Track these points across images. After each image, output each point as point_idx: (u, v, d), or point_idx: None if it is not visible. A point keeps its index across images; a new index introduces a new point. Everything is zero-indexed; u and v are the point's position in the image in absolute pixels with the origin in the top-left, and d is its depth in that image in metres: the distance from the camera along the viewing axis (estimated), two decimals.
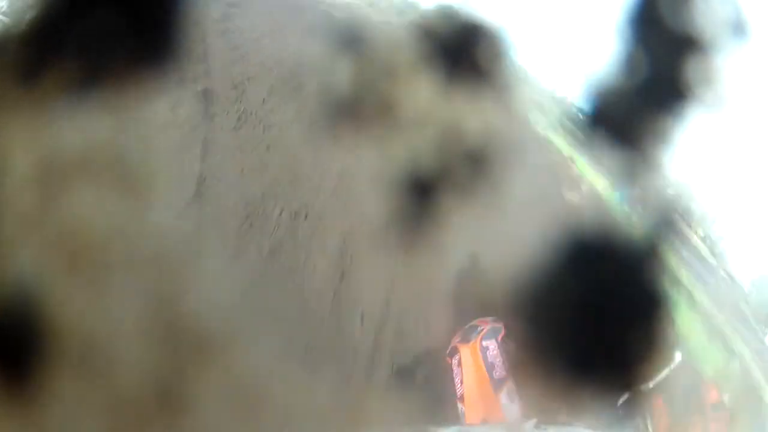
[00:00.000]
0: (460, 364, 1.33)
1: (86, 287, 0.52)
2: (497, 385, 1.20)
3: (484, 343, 1.29)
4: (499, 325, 1.33)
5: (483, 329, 1.33)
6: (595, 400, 0.77)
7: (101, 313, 0.53)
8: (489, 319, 1.39)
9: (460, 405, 1.25)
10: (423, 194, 0.97)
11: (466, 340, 1.36)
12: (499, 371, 1.21)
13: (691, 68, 0.77)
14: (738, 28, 0.80)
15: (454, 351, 1.36)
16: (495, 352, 1.27)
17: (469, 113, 0.88)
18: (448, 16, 0.88)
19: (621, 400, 0.78)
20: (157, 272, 0.57)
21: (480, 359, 1.29)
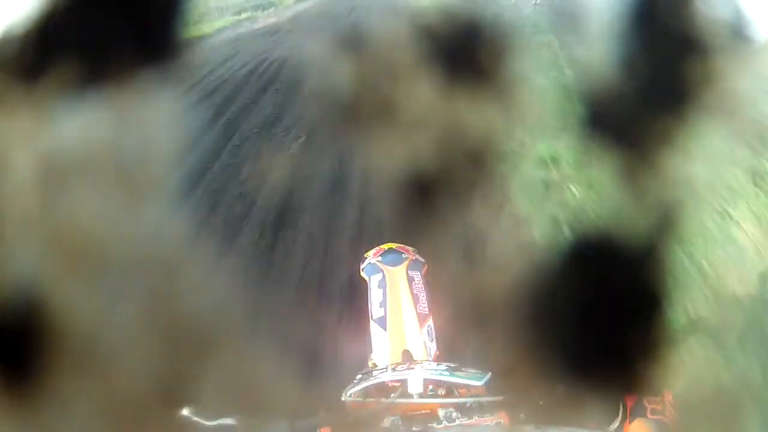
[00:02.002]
0: (383, 284, 1.21)
1: (86, 287, 0.52)
2: (421, 319, 1.14)
3: (410, 273, 1.23)
4: (423, 260, 1.30)
5: (408, 258, 1.28)
6: (595, 400, 0.77)
7: (101, 312, 0.53)
8: (409, 248, 1.33)
9: (377, 328, 1.14)
10: (423, 194, 0.97)
11: (389, 262, 1.26)
12: (422, 306, 1.16)
13: (691, 68, 0.77)
14: (738, 28, 0.80)
15: (375, 269, 1.25)
16: (420, 285, 1.21)
17: (470, 113, 0.88)
18: (448, 16, 0.88)
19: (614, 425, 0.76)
20: (157, 272, 0.58)
21: (408, 287, 1.20)
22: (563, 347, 0.77)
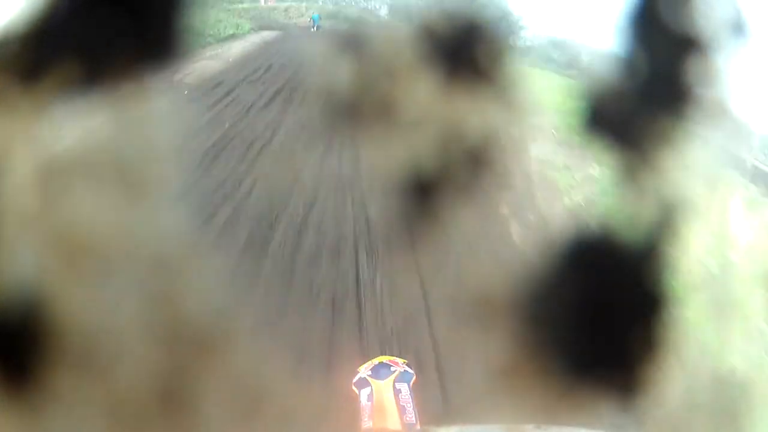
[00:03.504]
0: (370, 398, 1.30)
1: (86, 287, 0.52)
2: (407, 429, 1.20)
3: (398, 386, 1.30)
4: (411, 372, 1.37)
5: (396, 370, 1.35)
6: (595, 400, 0.77)
7: (101, 312, 0.53)
8: (399, 361, 1.42)
9: None
10: (423, 194, 0.97)
11: (378, 376, 1.35)
12: (410, 416, 1.22)
13: (691, 68, 0.77)
14: (738, 28, 0.80)
15: (364, 383, 1.35)
16: (407, 396, 1.29)
17: (469, 113, 0.88)
18: (448, 16, 0.88)
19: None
20: (157, 272, 0.58)
21: (392, 399, 1.29)
22: (563, 347, 0.77)
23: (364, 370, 1.45)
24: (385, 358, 1.50)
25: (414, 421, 1.28)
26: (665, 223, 0.79)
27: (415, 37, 0.83)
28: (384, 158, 0.86)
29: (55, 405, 0.52)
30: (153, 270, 0.56)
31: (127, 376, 0.53)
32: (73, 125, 0.54)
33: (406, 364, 1.39)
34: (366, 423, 1.30)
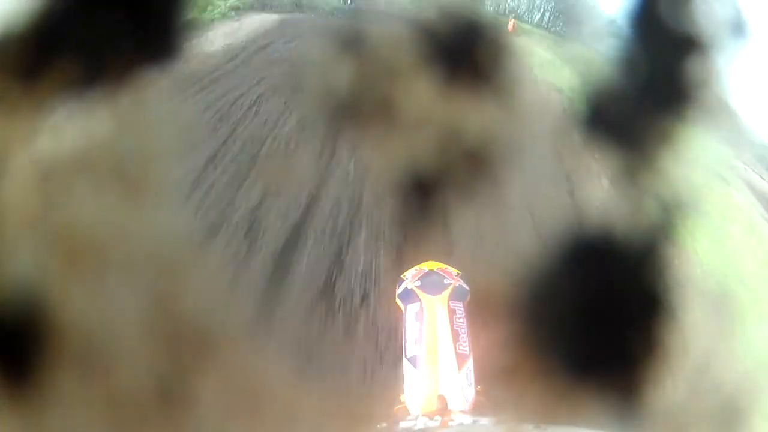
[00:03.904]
0: (420, 317, 1.05)
1: (86, 287, 0.52)
2: (461, 361, 0.99)
3: (452, 304, 1.06)
4: (467, 287, 1.09)
5: (451, 284, 1.09)
6: (595, 400, 0.77)
7: (101, 312, 0.53)
8: (452, 270, 1.14)
9: (409, 367, 0.99)
10: (423, 194, 0.97)
11: (429, 288, 1.09)
12: (462, 345, 1.01)
13: (691, 68, 0.77)
14: (738, 28, 0.80)
15: (412, 296, 1.08)
16: (462, 319, 1.04)
17: (469, 113, 0.88)
18: (448, 16, 0.88)
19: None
20: (157, 272, 0.58)
21: (448, 323, 1.03)
22: (563, 347, 0.77)
23: (410, 279, 1.13)
24: (435, 266, 1.16)
25: (468, 352, 1.00)
26: (665, 223, 0.79)
27: (416, 36, 0.83)
28: (384, 158, 0.86)
29: (55, 404, 0.52)
30: (153, 270, 0.56)
31: (127, 376, 0.53)
32: (73, 125, 0.54)
33: (461, 276, 1.14)
34: (411, 348, 1.01)
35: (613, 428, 0.81)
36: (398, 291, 1.11)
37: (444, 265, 1.15)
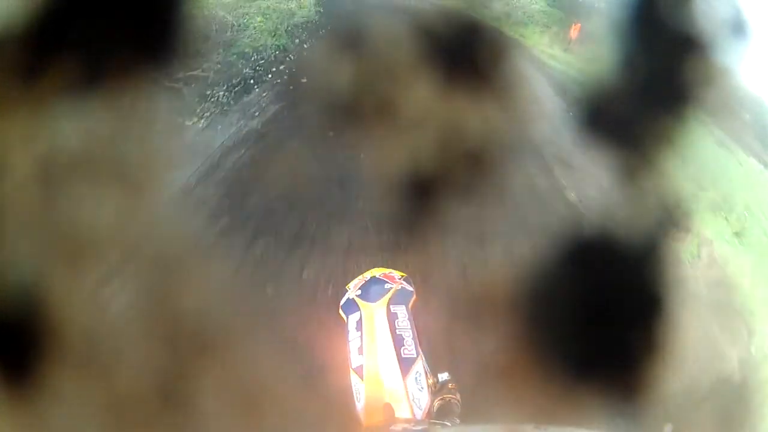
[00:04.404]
0: (359, 326, 1.03)
1: (86, 286, 0.52)
2: (405, 365, 0.96)
3: (393, 308, 1.02)
4: (411, 289, 1.07)
5: (392, 288, 1.06)
6: (595, 400, 0.77)
7: (101, 312, 0.53)
8: (396, 274, 1.11)
9: (355, 378, 0.97)
10: (423, 194, 0.97)
11: (368, 296, 1.06)
12: (409, 349, 0.97)
13: (691, 68, 0.77)
14: (738, 28, 0.80)
15: (353, 306, 1.06)
16: (405, 323, 1.01)
17: (469, 113, 0.88)
18: (448, 16, 0.88)
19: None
20: (157, 271, 0.58)
21: (387, 328, 1.01)
22: (563, 347, 0.77)
23: (353, 289, 1.10)
24: (378, 271, 1.13)
25: (414, 354, 0.98)
26: (665, 223, 0.79)
27: (415, 37, 0.83)
28: (384, 158, 0.86)
29: (55, 404, 0.52)
30: (153, 269, 0.56)
31: (127, 375, 0.53)
32: (73, 125, 0.54)
33: (404, 279, 1.10)
34: (355, 359, 0.99)
35: (613, 428, 0.81)
36: (341, 302, 1.08)
37: (388, 270, 1.13)
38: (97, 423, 0.53)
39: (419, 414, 0.89)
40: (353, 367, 0.98)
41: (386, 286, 1.07)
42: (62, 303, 0.51)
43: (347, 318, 1.04)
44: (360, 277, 1.10)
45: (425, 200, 0.99)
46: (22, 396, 0.50)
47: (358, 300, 1.05)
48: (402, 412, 0.91)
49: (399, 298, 1.05)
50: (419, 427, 0.85)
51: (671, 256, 0.78)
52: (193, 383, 0.57)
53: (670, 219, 0.79)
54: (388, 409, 0.91)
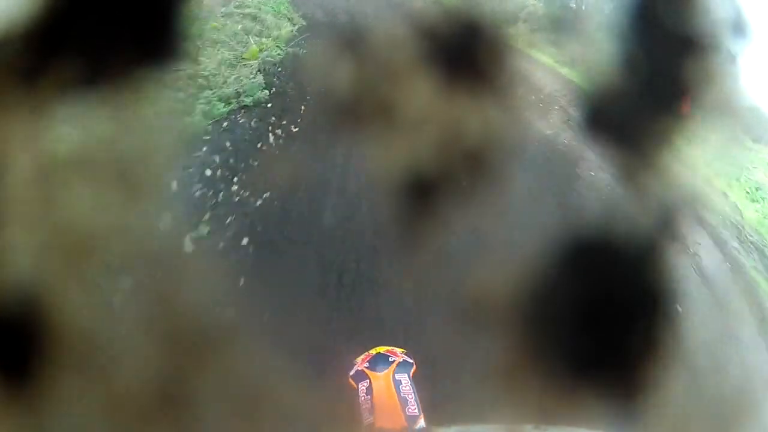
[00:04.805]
0: (369, 392, 1.26)
1: (86, 287, 0.52)
2: (411, 421, 1.18)
3: (397, 377, 1.27)
4: (411, 361, 1.30)
5: (395, 361, 1.30)
6: (595, 401, 0.77)
7: (101, 312, 0.53)
8: (398, 350, 1.37)
9: None
10: (423, 194, 0.97)
11: (376, 368, 1.31)
12: (412, 408, 1.19)
13: (691, 68, 0.77)
14: (738, 28, 0.80)
15: (362, 376, 1.31)
16: (408, 387, 1.24)
17: (470, 113, 0.88)
18: (448, 16, 0.88)
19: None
20: (157, 271, 0.58)
21: (393, 392, 1.24)
22: (563, 348, 0.77)
23: (360, 362, 1.38)
24: (382, 349, 1.42)
25: (417, 413, 1.21)
26: (665, 223, 0.79)
27: (415, 37, 0.83)
28: (383, 159, 0.86)
29: (55, 404, 0.52)
30: (153, 269, 0.56)
31: (127, 376, 0.53)
32: (73, 125, 0.54)
33: (405, 354, 1.39)
34: (367, 418, 1.22)
35: (613, 428, 0.81)
36: (351, 373, 1.32)
37: (391, 347, 1.37)
38: (96, 424, 0.53)
39: None
40: (365, 424, 1.18)
41: (390, 359, 1.30)
42: (62, 303, 0.51)
43: (357, 385, 1.27)
44: (366, 353, 1.34)
45: (424, 200, 0.99)
46: (22, 396, 0.50)
47: (366, 371, 1.29)
48: None
49: (401, 368, 1.29)
50: (419, 427, 0.94)
51: (672, 256, 0.78)
52: (194, 384, 0.57)
53: (670, 219, 0.79)
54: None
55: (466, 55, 0.86)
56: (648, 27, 0.78)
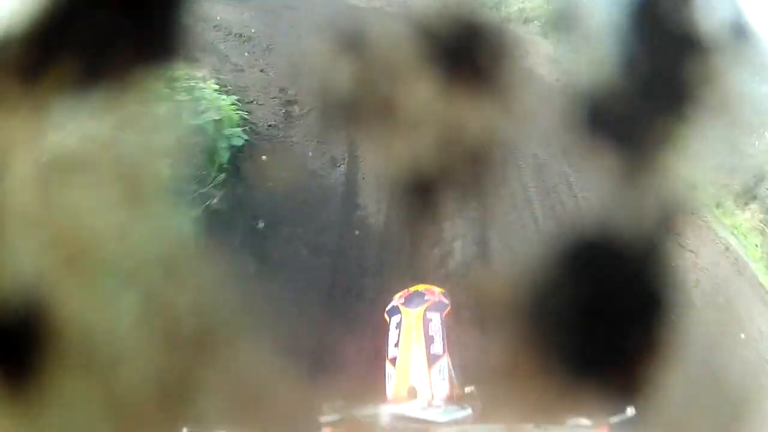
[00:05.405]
0: (399, 326, 1.29)
1: (86, 287, 0.52)
2: (432, 359, 1.19)
3: (429, 315, 1.28)
4: (447, 301, 1.30)
5: (430, 300, 1.31)
6: (595, 399, 0.77)
7: (101, 312, 0.53)
8: (436, 290, 1.38)
9: (389, 366, 1.20)
10: (423, 194, 0.97)
11: (410, 304, 1.33)
12: (437, 347, 1.20)
13: (691, 68, 0.77)
14: (738, 28, 0.80)
15: (395, 311, 1.33)
16: (437, 327, 1.24)
17: (470, 113, 0.88)
18: (448, 16, 0.88)
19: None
20: (157, 272, 0.57)
21: (421, 329, 1.26)
22: (564, 346, 0.77)
23: (397, 299, 1.36)
24: (422, 287, 1.39)
25: (441, 353, 1.20)
26: (665, 223, 0.79)
27: (415, 37, 0.83)
28: (384, 158, 0.86)
29: (55, 404, 0.52)
30: (153, 269, 0.56)
31: (127, 375, 0.53)
32: (73, 125, 0.54)
33: (443, 294, 1.39)
34: (392, 351, 1.23)
35: (612, 427, 0.81)
36: (387, 308, 1.34)
37: (431, 286, 1.38)
38: (96, 423, 0.53)
39: (438, 399, 1.09)
40: (389, 357, 1.20)
41: (426, 297, 1.32)
42: (62, 303, 0.51)
43: (390, 319, 1.30)
44: (405, 290, 1.37)
45: (425, 200, 0.99)
46: (23, 396, 0.50)
47: (400, 307, 1.32)
48: (422, 394, 1.11)
49: (435, 307, 1.29)
50: (418, 426, 0.95)
51: (671, 257, 0.78)
52: (193, 383, 0.57)
53: (670, 219, 0.79)
54: (412, 391, 1.12)
55: (467, 54, 0.86)
56: (648, 27, 0.78)
